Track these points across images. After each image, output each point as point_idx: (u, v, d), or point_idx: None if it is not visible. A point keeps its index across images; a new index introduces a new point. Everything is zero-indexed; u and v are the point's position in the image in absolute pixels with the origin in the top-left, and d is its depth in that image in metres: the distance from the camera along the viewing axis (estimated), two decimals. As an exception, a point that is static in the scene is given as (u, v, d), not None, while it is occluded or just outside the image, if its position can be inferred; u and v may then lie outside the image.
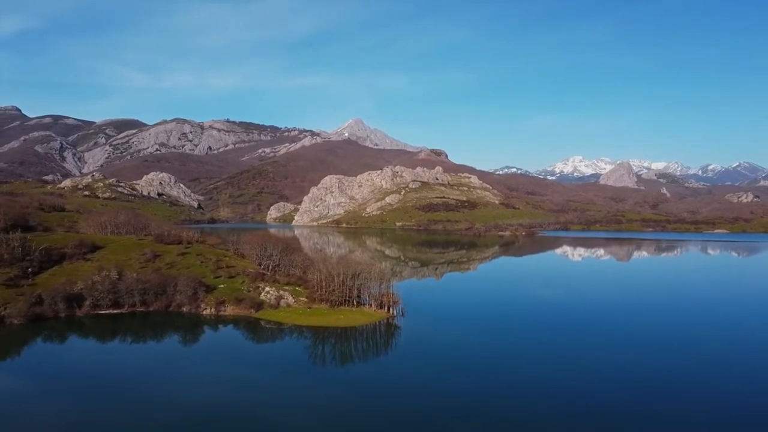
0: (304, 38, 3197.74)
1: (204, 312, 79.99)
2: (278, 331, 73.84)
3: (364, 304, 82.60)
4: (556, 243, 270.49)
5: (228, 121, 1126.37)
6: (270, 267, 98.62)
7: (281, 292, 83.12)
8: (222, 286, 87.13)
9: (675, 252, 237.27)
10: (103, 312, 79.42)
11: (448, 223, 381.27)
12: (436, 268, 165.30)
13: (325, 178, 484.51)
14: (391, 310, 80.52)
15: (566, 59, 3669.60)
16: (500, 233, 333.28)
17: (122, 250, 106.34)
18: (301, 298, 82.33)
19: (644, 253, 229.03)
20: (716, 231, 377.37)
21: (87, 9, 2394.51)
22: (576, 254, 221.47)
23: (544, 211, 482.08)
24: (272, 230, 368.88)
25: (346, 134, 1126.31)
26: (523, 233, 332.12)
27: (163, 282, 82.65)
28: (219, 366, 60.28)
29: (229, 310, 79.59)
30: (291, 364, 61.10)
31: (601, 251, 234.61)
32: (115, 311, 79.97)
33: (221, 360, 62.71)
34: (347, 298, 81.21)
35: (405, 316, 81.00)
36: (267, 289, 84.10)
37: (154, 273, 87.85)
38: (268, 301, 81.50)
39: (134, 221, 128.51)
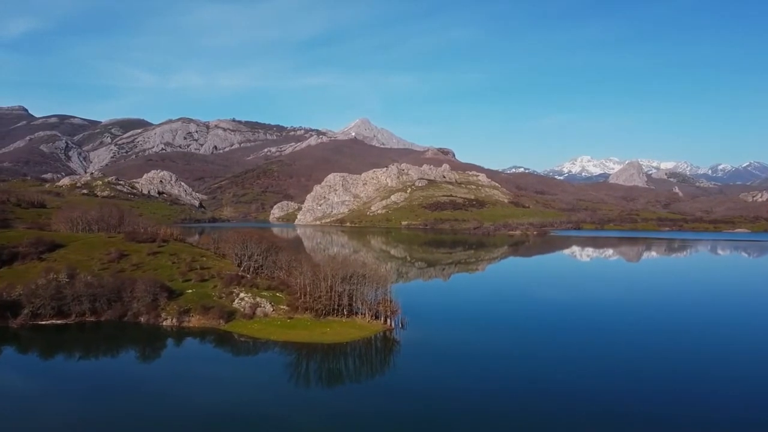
0: (312, 38, 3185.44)
1: (164, 323, 66.82)
2: (250, 346, 60.65)
3: (356, 314, 69.10)
4: (570, 243, 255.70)
5: (234, 120, 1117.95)
6: (251, 268, 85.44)
7: (258, 299, 69.80)
8: (190, 291, 74.03)
9: (702, 251, 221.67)
10: (44, 322, 66.49)
11: (455, 222, 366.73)
12: (444, 269, 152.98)
13: (329, 175, 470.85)
14: (388, 321, 66.99)
15: (574, 59, 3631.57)
16: (510, 232, 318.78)
17: (86, 248, 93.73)
18: (282, 306, 68.95)
19: (669, 253, 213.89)
20: (737, 230, 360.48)
21: (96, 10, 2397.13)
22: (593, 255, 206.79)
23: (554, 210, 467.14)
24: (275, 229, 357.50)
25: (353, 134, 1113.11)
26: (535, 232, 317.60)
27: (119, 286, 69.63)
28: (172, 391, 47.37)
29: (194, 321, 66.38)
30: (264, 390, 48.70)
31: (620, 251, 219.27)
32: (59, 321, 67.01)
33: (175, 384, 49.74)
34: (336, 307, 67.77)
35: (406, 329, 67.49)
36: (242, 295, 70.79)
37: (112, 276, 74.88)
38: (241, 309, 68.21)
39: (108, 217, 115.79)
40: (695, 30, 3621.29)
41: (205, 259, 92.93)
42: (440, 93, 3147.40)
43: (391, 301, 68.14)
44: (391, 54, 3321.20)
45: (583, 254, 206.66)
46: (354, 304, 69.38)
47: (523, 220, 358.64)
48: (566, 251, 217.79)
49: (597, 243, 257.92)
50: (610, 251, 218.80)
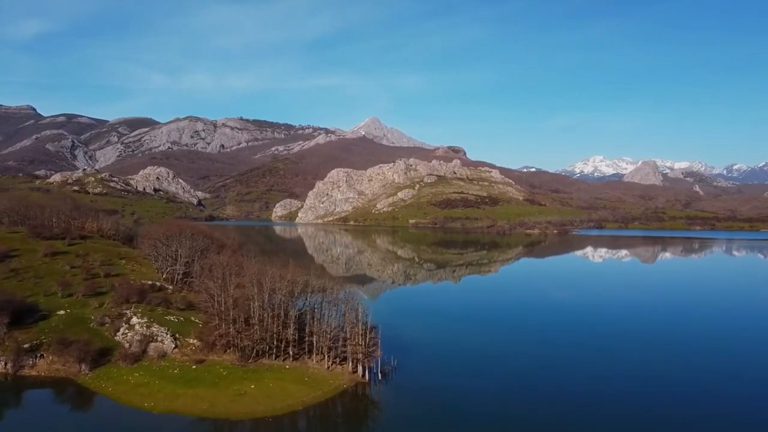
0: (322, 38, 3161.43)
1: (-7, 368, 40.95)
2: (114, 420, 34.47)
3: (310, 353, 42.57)
4: (597, 243, 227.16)
5: (241, 119, 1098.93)
6: (177, 276, 59.50)
7: (155, 327, 43.65)
8: (62, 312, 48.20)
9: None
10: None
11: (467, 220, 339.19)
12: (454, 270, 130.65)
13: (332, 171, 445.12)
14: (360, 367, 40.38)
15: (586, 58, 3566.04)
16: (527, 231, 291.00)
17: (-38, 247, 68.65)
18: (190, 341, 42.78)
19: (717, 255, 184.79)
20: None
21: (107, 11, 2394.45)
22: (628, 258, 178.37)
23: (572, 208, 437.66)
24: (276, 228, 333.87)
25: (363, 132, 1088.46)
26: (554, 231, 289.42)
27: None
28: None
29: (42, 366, 40.38)
30: None
31: (663, 256, 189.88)
32: None
33: None
34: (276, 342, 41.39)
35: (390, 379, 41.09)
36: (134, 320, 44.70)
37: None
38: (125, 345, 42.16)
39: (26, 209, 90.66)
40: (707, 30, 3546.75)
41: (123, 262, 67.29)
42: (450, 93, 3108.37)
43: (367, 333, 41.45)
44: (401, 54, 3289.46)
45: (619, 257, 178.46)
46: (307, 338, 42.76)
47: (540, 219, 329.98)
48: (599, 254, 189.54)
49: (629, 243, 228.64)
50: (655, 256, 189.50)
